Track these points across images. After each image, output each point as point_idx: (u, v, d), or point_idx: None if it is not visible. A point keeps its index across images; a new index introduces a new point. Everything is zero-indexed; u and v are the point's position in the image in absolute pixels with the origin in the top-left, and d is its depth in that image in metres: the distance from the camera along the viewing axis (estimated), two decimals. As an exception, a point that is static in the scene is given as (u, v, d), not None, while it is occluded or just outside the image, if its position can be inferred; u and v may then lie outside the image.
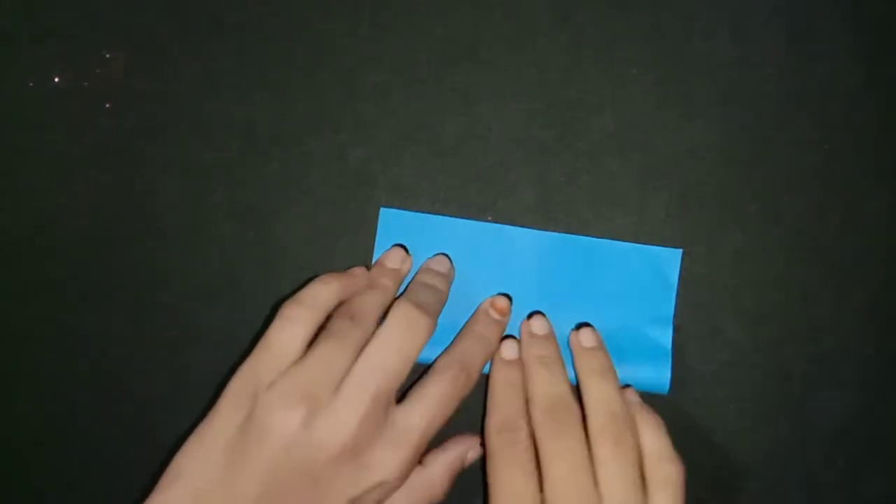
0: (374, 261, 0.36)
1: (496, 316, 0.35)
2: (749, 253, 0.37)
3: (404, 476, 0.31)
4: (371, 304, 0.33)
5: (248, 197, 0.37)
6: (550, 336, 0.35)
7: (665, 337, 0.36)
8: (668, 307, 0.36)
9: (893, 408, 0.36)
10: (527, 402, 0.34)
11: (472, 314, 0.36)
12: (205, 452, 0.30)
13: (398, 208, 0.37)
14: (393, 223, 0.37)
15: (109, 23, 0.38)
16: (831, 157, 0.37)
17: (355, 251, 0.37)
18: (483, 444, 0.34)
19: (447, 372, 0.32)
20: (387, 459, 0.30)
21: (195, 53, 0.38)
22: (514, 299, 0.36)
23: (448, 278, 0.36)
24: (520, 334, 0.36)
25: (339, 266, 0.37)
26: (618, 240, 0.36)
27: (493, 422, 0.33)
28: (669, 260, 0.36)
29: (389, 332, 0.32)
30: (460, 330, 0.35)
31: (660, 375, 0.35)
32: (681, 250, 0.36)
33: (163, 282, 0.37)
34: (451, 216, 0.37)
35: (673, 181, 0.37)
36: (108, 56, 0.38)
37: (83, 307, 0.38)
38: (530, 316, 0.36)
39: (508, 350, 0.35)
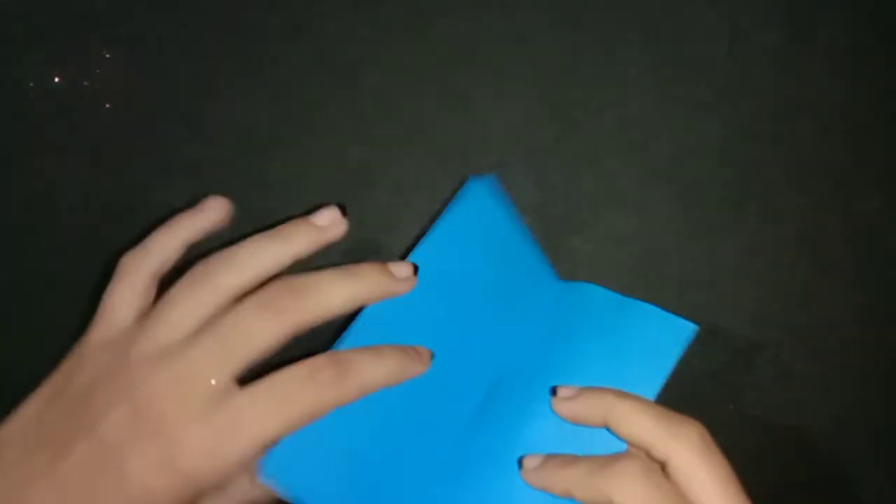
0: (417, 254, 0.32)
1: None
2: (749, 253, 0.37)
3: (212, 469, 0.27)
4: (250, 255, 0.30)
5: (248, 197, 0.37)
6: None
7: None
8: (658, 380, 0.32)
9: (893, 408, 0.36)
10: None
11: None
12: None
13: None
14: (481, 199, 0.33)
15: (109, 23, 0.38)
16: (831, 157, 0.37)
17: (355, 251, 0.37)
18: None
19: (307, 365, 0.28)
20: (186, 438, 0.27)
21: (195, 53, 0.38)
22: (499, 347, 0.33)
23: (390, 291, 0.31)
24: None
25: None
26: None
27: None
28: (679, 332, 0.32)
29: (242, 317, 0.28)
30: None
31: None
32: (695, 326, 0.33)
33: (162, 282, 0.37)
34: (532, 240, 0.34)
35: (673, 181, 0.37)
36: (108, 56, 0.38)
37: (83, 307, 0.38)
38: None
39: None
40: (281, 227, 0.31)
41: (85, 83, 0.38)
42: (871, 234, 0.37)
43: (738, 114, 0.37)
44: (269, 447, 0.28)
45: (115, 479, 0.26)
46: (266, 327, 0.28)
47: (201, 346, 0.28)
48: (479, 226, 0.33)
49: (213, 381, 0.27)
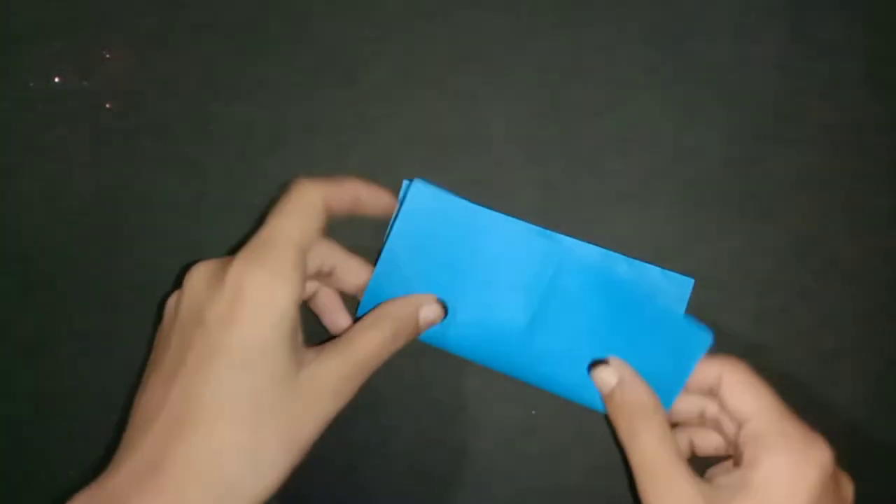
0: (389, 236, 0.35)
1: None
2: (749, 253, 0.37)
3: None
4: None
5: (248, 197, 0.37)
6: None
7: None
8: (679, 384, 0.33)
9: (893, 408, 0.36)
10: None
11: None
12: None
13: (428, 182, 0.35)
14: (423, 199, 0.34)
15: (109, 23, 0.38)
16: (831, 157, 0.37)
17: (355, 251, 0.37)
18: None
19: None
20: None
21: (195, 53, 0.38)
22: (519, 302, 0.35)
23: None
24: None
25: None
26: (620, 241, 0.36)
27: None
28: (699, 343, 0.33)
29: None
30: None
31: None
32: (692, 280, 0.35)
33: (163, 282, 0.37)
34: (488, 207, 0.35)
35: (673, 181, 0.37)
36: (108, 56, 0.38)
37: (83, 307, 0.38)
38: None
39: None
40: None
41: (85, 83, 0.38)
42: (871, 234, 0.37)
43: (738, 114, 0.37)
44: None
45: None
46: None
47: None
48: (436, 216, 0.35)
49: None
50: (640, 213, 0.37)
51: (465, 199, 0.35)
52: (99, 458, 0.37)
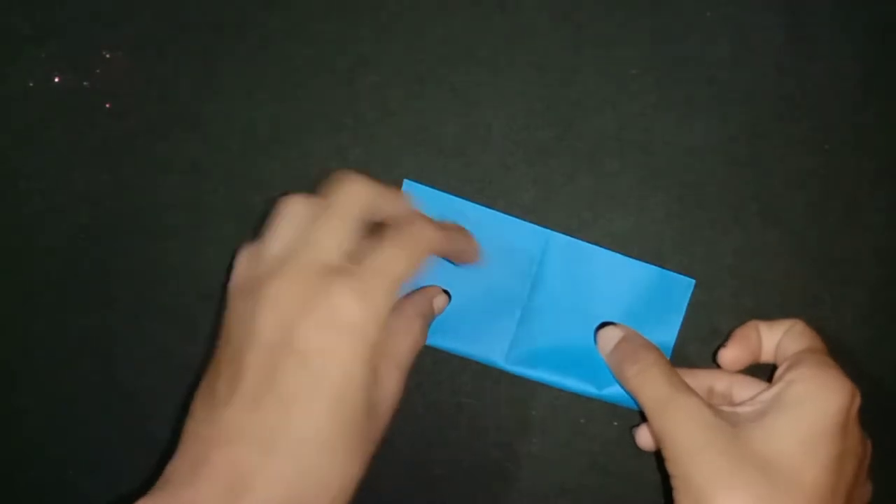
0: None
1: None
2: (749, 253, 0.37)
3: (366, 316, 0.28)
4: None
5: (248, 197, 0.37)
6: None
7: None
8: (672, 334, 0.36)
9: (893, 408, 0.36)
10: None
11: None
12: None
13: (419, 182, 0.36)
14: (415, 198, 0.35)
15: (109, 23, 0.38)
16: (831, 157, 0.37)
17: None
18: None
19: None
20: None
21: (195, 53, 0.38)
22: (515, 297, 0.36)
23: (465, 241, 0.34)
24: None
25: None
26: (620, 241, 0.36)
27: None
28: (681, 288, 0.36)
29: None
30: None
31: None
32: (693, 280, 0.36)
33: (163, 282, 0.37)
34: (479, 203, 0.36)
35: (673, 181, 0.37)
36: (108, 56, 0.38)
37: (83, 307, 0.38)
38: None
39: None
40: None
41: (85, 83, 0.38)
42: (870, 233, 0.37)
43: (738, 114, 0.37)
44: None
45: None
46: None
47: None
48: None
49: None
50: (639, 213, 0.37)
51: (457, 196, 0.36)
52: (98, 458, 0.37)
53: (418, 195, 0.36)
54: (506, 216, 0.36)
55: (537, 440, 0.37)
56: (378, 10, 0.38)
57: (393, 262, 0.29)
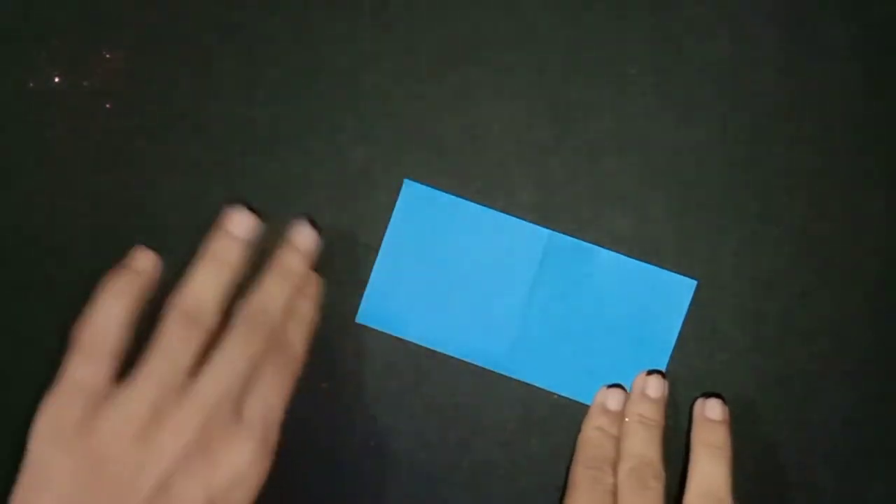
0: (385, 236, 0.36)
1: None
2: (749, 253, 0.37)
3: (259, 464, 0.29)
4: (209, 290, 0.31)
5: (248, 197, 0.37)
6: (662, 400, 0.35)
7: (661, 361, 0.36)
8: (672, 334, 0.36)
9: (893, 408, 0.36)
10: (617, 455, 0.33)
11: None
12: None
13: (421, 182, 0.36)
14: (416, 198, 0.36)
15: (109, 23, 0.38)
16: (831, 157, 0.37)
17: (355, 251, 0.37)
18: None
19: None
20: (232, 453, 0.29)
21: (195, 53, 0.38)
22: (516, 298, 0.36)
23: (307, 260, 0.33)
24: (631, 387, 0.35)
25: (339, 266, 0.36)
26: (620, 241, 0.36)
27: (583, 456, 0.34)
28: (682, 289, 0.36)
29: (234, 346, 0.30)
30: None
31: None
32: (695, 282, 0.36)
33: (163, 282, 0.37)
34: (482, 204, 0.36)
35: (673, 181, 0.37)
36: (108, 56, 0.38)
37: (83, 307, 0.38)
38: (649, 373, 0.35)
39: (613, 401, 0.35)
40: (216, 252, 0.32)
41: (85, 83, 0.38)
42: (871, 234, 0.37)
43: (738, 114, 0.37)
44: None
45: None
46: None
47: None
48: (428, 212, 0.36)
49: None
50: (639, 213, 0.37)
51: (458, 196, 0.35)
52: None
53: (418, 196, 0.36)
54: (506, 216, 0.36)
55: (537, 440, 0.37)
56: (378, 10, 0.38)
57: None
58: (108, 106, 0.38)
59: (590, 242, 0.36)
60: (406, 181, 0.36)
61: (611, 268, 0.36)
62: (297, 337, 0.32)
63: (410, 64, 0.38)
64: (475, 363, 0.36)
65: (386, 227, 0.37)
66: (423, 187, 0.36)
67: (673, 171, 0.37)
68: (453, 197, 0.36)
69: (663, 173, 0.37)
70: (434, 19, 0.38)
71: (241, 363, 0.30)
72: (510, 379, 0.36)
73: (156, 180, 0.38)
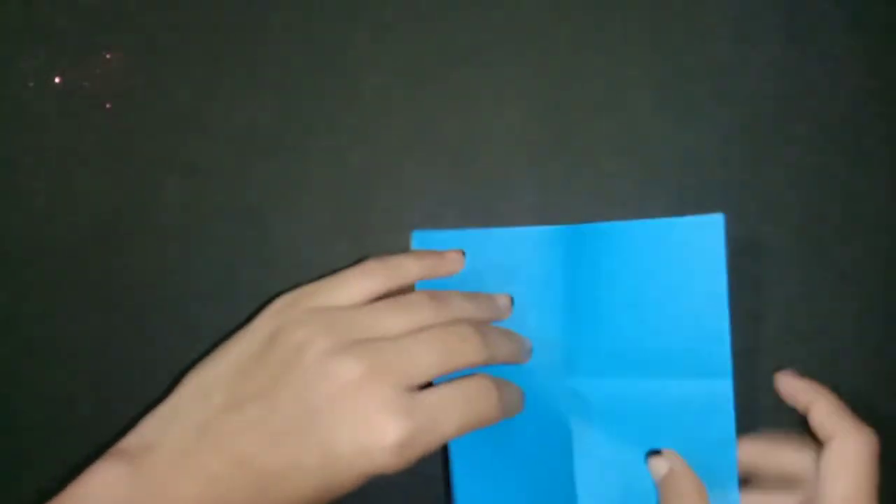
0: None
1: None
2: (749, 253, 0.37)
3: (401, 457, 0.29)
4: (458, 303, 0.33)
5: (248, 197, 0.37)
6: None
7: (722, 324, 0.33)
8: (721, 282, 0.32)
9: (893, 408, 0.36)
10: None
11: None
12: (231, 359, 0.31)
13: (428, 229, 0.36)
14: (426, 244, 0.35)
15: (109, 23, 0.38)
16: (831, 157, 0.37)
17: (355, 251, 0.37)
18: None
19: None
20: (388, 428, 0.29)
21: (195, 53, 0.38)
22: (559, 307, 0.35)
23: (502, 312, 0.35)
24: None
25: (339, 266, 0.36)
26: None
27: None
28: (712, 228, 0.32)
29: (447, 341, 0.31)
30: None
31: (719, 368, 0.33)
32: (722, 215, 0.32)
33: (163, 282, 0.37)
34: (482, 228, 0.36)
35: (673, 181, 0.37)
36: (108, 56, 0.38)
37: (83, 307, 0.38)
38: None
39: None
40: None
41: (85, 83, 0.38)
42: (871, 234, 0.37)
43: (738, 114, 0.37)
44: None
45: (318, 444, 0.29)
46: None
47: (412, 346, 0.30)
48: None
49: (405, 381, 0.29)
50: (639, 214, 0.37)
51: (466, 228, 0.36)
52: (97, 456, 0.37)
53: (428, 242, 0.35)
54: (514, 229, 0.35)
55: (537, 440, 0.37)
56: (378, 10, 0.38)
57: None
58: (108, 106, 0.38)
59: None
60: (414, 233, 0.35)
61: (633, 238, 0.33)
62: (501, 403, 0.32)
63: (410, 65, 0.38)
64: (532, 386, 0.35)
65: (389, 226, 0.37)
66: (433, 233, 0.35)
67: (672, 171, 0.37)
68: (459, 231, 0.35)
69: (663, 173, 0.37)
70: (434, 19, 0.38)
71: (463, 359, 0.31)
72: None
73: (156, 180, 0.38)
